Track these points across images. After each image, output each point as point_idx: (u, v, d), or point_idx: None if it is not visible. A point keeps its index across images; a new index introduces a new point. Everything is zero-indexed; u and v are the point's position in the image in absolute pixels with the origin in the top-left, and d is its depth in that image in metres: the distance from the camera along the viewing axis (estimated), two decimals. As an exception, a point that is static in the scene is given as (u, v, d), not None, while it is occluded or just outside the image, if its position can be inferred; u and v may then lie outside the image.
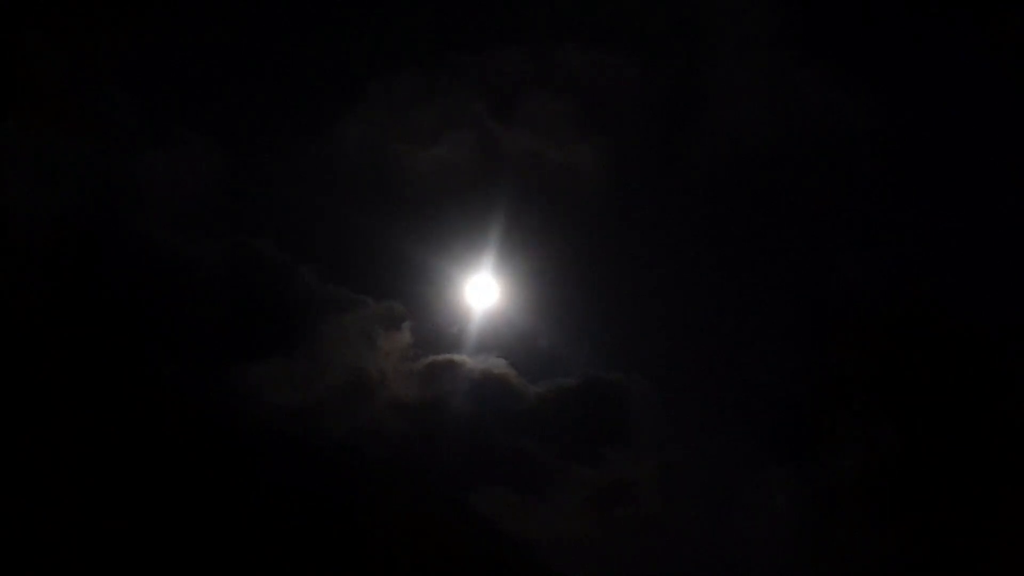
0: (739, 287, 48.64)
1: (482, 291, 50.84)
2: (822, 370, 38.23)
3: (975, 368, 34.60)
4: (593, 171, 56.25)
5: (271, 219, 50.15)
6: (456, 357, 49.54)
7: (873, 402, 36.85)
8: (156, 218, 46.85)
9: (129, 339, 42.24)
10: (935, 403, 34.81)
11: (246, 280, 46.97)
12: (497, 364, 49.67)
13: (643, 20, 58.18)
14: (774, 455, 40.69)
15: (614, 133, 57.30)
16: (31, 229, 43.26)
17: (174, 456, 38.98)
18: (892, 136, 49.32)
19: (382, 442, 44.29)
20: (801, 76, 53.80)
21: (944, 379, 34.81)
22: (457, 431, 46.09)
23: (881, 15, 52.78)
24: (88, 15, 49.19)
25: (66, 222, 43.68)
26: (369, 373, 47.66)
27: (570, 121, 57.44)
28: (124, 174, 47.49)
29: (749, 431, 45.58)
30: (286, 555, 37.37)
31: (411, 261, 49.31)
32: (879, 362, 36.66)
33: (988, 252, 42.16)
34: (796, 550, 37.78)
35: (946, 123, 50.17)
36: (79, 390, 39.83)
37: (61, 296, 42.19)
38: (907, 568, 34.30)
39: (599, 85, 58.73)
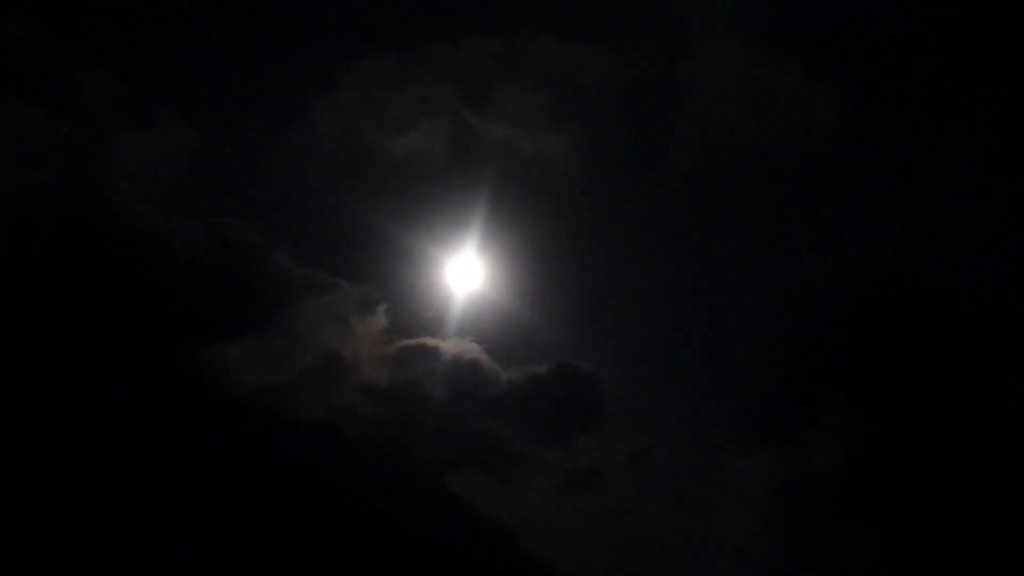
0: (714, 277, 49.35)
1: (457, 277, 51.14)
2: (799, 359, 38.54)
3: (955, 356, 35.13)
4: (566, 161, 56.78)
5: (247, 201, 50.11)
6: (429, 341, 49.75)
7: (851, 390, 37.15)
8: (132, 198, 46.60)
9: (103, 316, 41.99)
10: (914, 391, 35.26)
11: (221, 261, 46.84)
12: (470, 349, 49.97)
13: (618, 14, 58.78)
14: (747, 444, 41.08)
15: (587, 125, 57.83)
16: (7, 205, 42.98)
17: (147, 430, 38.84)
18: (863, 130, 50.34)
19: (356, 423, 44.38)
20: (774, 72, 54.69)
21: (923, 367, 35.32)
22: (430, 414, 46.31)
23: (852, 15, 53.78)
24: (68, -2, 49.17)
25: (43, 200, 43.38)
26: (342, 356, 47.73)
27: (543, 112, 57.90)
28: (101, 154, 47.27)
29: (722, 420, 46.16)
30: (264, 529, 37.41)
31: (387, 246, 49.45)
32: (857, 351, 37.07)
33: (964, 241, 43.18)
34: (769, 537, 38.16)
35: (915, 118, 51.31)
36: (55, 366, 39.59)
37: (36, 273, 41.88)
38: (885, 555, 34.67)
39: (573, 77, 59.26)
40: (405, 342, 50.11)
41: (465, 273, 51.12)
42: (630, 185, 54.61)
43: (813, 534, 36.69)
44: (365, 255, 49.37)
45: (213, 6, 54.74)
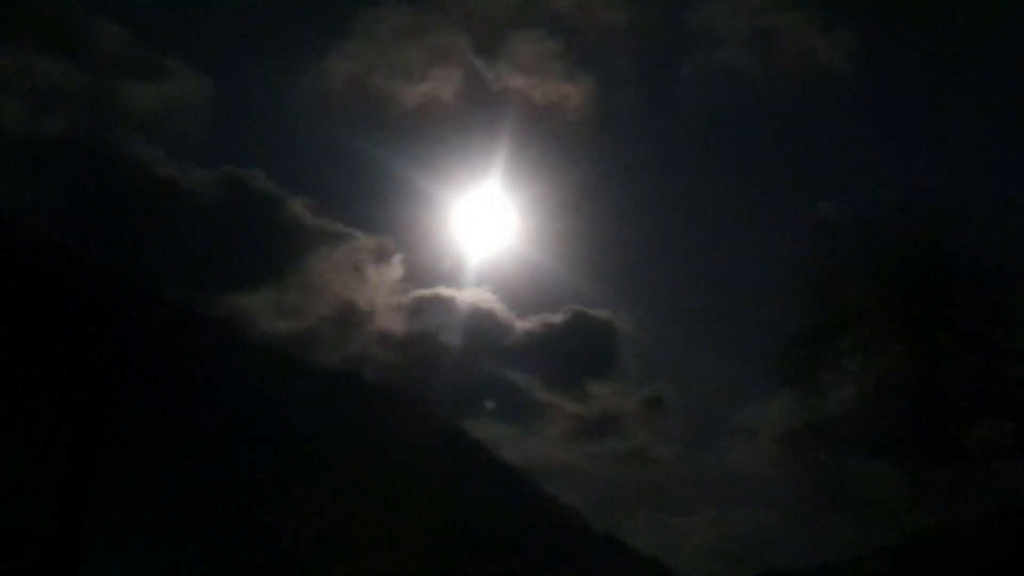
0: (728, 223, 49.35)
1: (472, 227, 51.06)
2: (815, 302, 38.47)
3: (980, 296, 35.07)
4: (579, 110, 56.63)
5: (261, 151, 50.05)
6: (444, 290, 50.04)
7: (870, 333, 37.10)
8: (146, 147, 46.57)
9: (122, 263, 42.07)
10: (941, 331, 35.18)
11: (236, 210, 46.94)
12: (485, 298, 50.11)
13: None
14: (762, 388, 40.79)
15: (600, 73, 57.80)
16: (24, 153, 42.92)
17: (168, 376, 39.14)
18: (873, 75, 50.32)
19: (374, 370, 44.64)
20: (784, 17, 54.48)
21: (949, 306, 35.23)
22: (446, 362, 46.40)
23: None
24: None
25: (58, 149, 43.30)
26: (359, 305, 47.77)
27: (556, 61, 57.82)
28: (116, 103, 47.02)
29: (737, 365, 46.23)
30: (284, 469, 37.65)
31: (402, 196, 49.56)
32: (881, 289, 36.97)
33: (976, 182, 43.13)
34: (786, 478, 38.21)
35: (925, 64, 51.24)
36: (69, 309, 39.86)
37: (52, 219, 41.84)
38: (907, 501, 34.81)
39: (585, 25, 58.94)
40: (421, 291, 50.45)
41: (480, 223, 51.12)
42: (643, 133, 54.70)
43: (832, 473, 36.87)
44: (380, 205, 49.58)
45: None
